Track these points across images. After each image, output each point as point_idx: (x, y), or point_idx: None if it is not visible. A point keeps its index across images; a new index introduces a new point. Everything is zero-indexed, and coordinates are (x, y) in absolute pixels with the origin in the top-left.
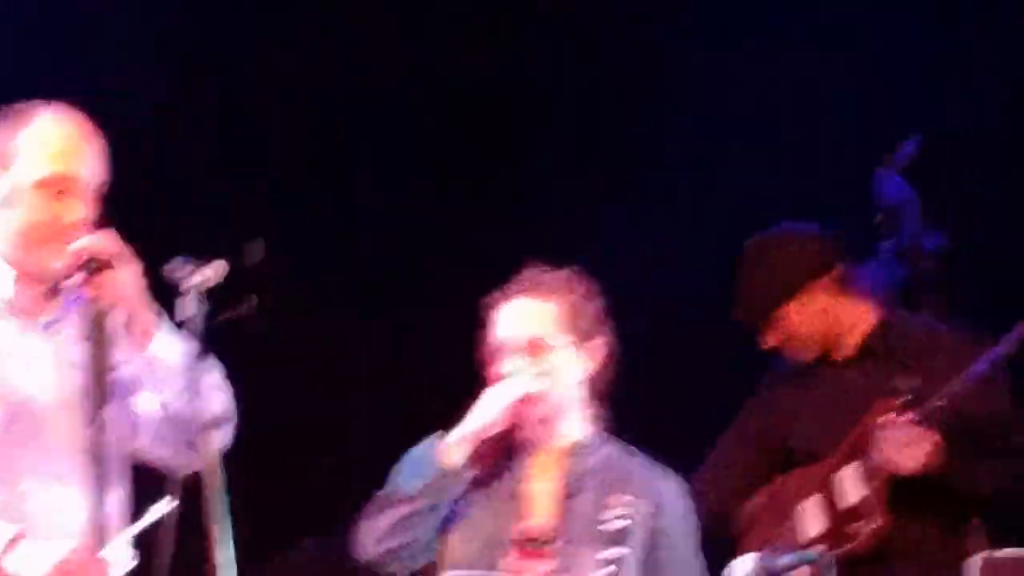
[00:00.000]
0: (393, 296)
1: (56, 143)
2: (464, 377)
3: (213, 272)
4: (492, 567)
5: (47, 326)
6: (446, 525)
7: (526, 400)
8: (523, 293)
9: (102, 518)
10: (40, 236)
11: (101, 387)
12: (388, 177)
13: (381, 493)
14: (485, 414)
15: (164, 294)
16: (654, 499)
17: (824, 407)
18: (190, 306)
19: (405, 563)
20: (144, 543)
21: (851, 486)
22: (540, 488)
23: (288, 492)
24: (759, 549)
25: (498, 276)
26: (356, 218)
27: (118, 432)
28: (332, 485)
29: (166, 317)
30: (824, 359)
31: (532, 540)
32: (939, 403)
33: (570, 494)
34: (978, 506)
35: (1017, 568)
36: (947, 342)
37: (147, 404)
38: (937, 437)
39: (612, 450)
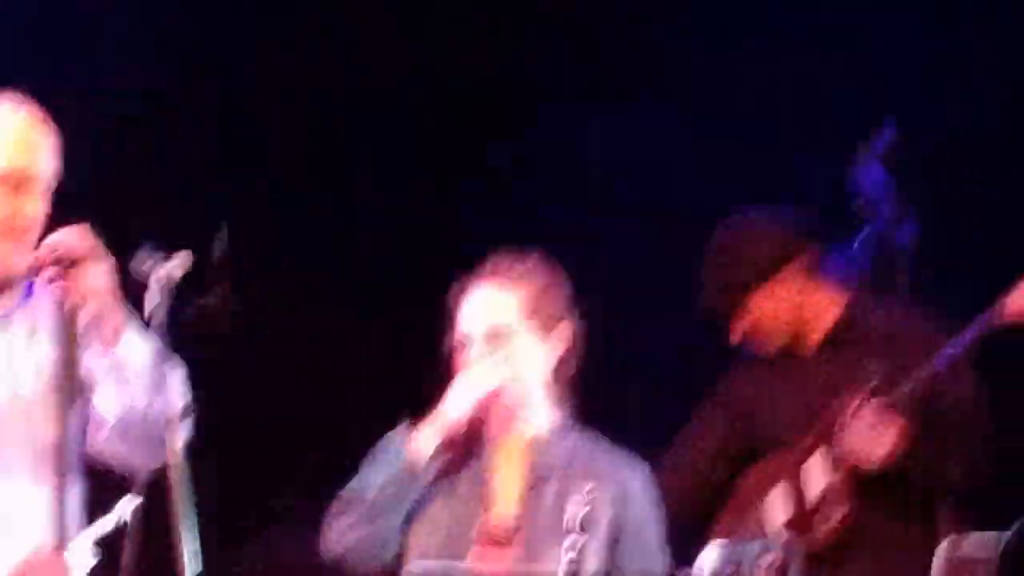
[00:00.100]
0: (390, 295)
1: (11, 136)
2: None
3: (179, 263)
4: (457, 558)
5: None
6: (411, 516)
7: (493, 391)
8: (486, 281)
9: (64, 517)
10: None
11: (70, 384)
12: (388, 176)
13: (348, 487)
14: (453, 406)
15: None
16: (619, 488)
17: (791, 395)
18: (156, 297)
19: (372, 556)
20: (108, 542)
21: (817, 475)
22: (505, 478)
23: (260, 485)
24: (726, 538)
25: None
26: (355, 217)
27: (75, 429)
28: (307, 479)
29: (135, 315)
30: (791, 347)
31: (496, 531)
32: (906, 390)
33: (534, 484)
34: (945, 494)
35: (981, 552)
36: (914, 328)
37: (106, 402)
38: (903, 425)
39: (577, 439)
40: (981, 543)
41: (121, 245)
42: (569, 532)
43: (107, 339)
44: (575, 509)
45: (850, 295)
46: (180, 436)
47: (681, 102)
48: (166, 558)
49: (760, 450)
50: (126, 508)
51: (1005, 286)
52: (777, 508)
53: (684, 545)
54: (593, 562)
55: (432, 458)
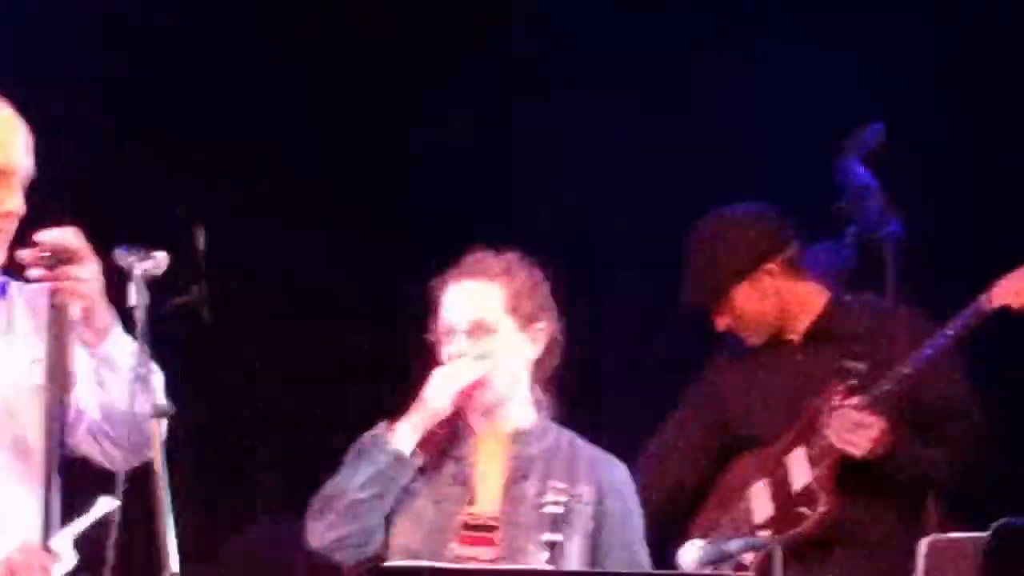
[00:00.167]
0: (369, 290)
1: None
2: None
3: (157, 261)
4: (438, 554)
5: None
6: (393, 512)
7: (473, 385)
8: (468, 276)
9: (50, 515)
10: None
11: (62, 381)
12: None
13: (330, 483)
14: (432, 401)
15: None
16: (598, 485)
17: (772, 390)
18: (135, 295)
19: (354, 552)
20: (87, 539)
21: (799, 470)
22: (486, 473)
23: (238, 481)
24: (707, 533)
25: None
26: (332, 216)
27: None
28: (287, 474)
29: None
30: (773, 342)
31: (477, 526)
32: (887, 387)
33: (515, 480)
34: (931, 491)
35: (963, 549)
36: (896, 325)
37: (89, 400)
38: (883, 422)
39: (557, 436)
40: (963, 541)
41: (98, 244)
42: (548, 528)
43: (94, 337)
44: (552, 507)
45: (833, 291)
46: (160, 434)
47: (666, 98)
48: (147, 555)
49: (742, 443)
50: (106, 506)
51: (990, 283)
52: (760, 502)
53: (666, 540)
54: (574, 558)
55: (412, 454)
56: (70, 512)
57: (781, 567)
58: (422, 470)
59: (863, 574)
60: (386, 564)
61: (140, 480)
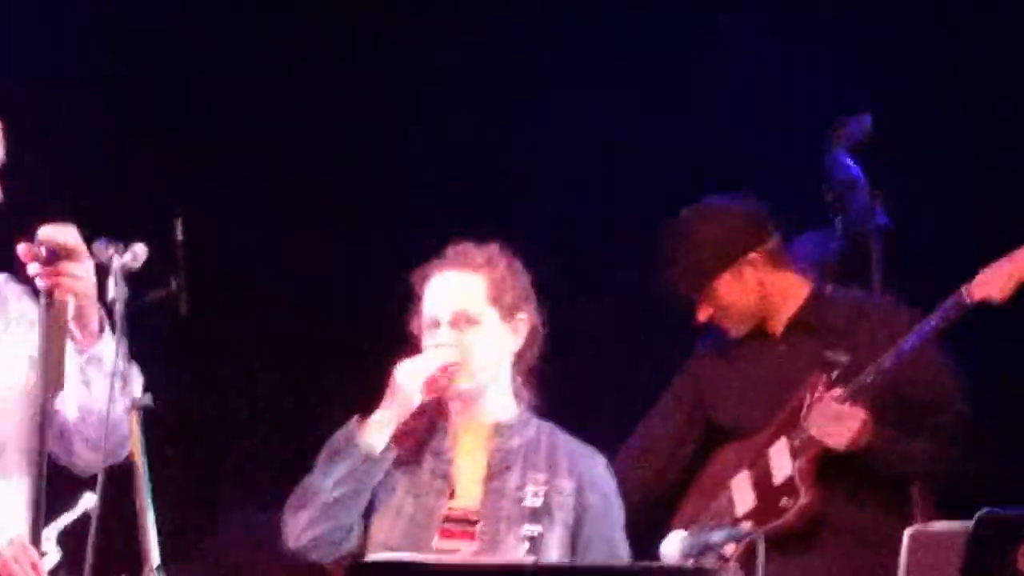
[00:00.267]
0: (347, 283)
1: None
2: None
3: (136, 254)
4: (418, 548)
5: None
6: (372, 506)
7: (441, 373)
8: (450, 267)
9: (39, 511)
10: None
11: (55, 377)
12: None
13: (304, 482)
14: (399, 395)
15: None
16: (578, 477)
17: (754, 382)
18: (113, 288)
19: (331, 550)
20: (69, 534)
21: (780, 462)
22: (466, 466)
23: (216, 476)
24: (689, 525)
25: None
26: (309, 210)
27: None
28: (264, 470)
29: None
30: (755, 333)
31: (458, 520)
32: (868, 378)
33: (496, 473)
34: (910, 483)
35: (946, 540)
36: (877, 317)
37: (62, 400)
38: (865, 414)
39: (537, 428)
40: (947, 532)
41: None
42: (528, 522)
43: (87, 337)
44: (532, 500)
45: (816, 282)
46: (139, 430)
47: (663, 96)
48: (129, 550)
49: (725, 434)
50: (88, 502)
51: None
52: (740, 495)
53: (648, 531)
54: (554, 550)
55: (385, 450)
56: (51, 509)
57: (764, 558)
58: (401, 464)
59: (846, 565)
60: (366, 559)
61: (121, 475)
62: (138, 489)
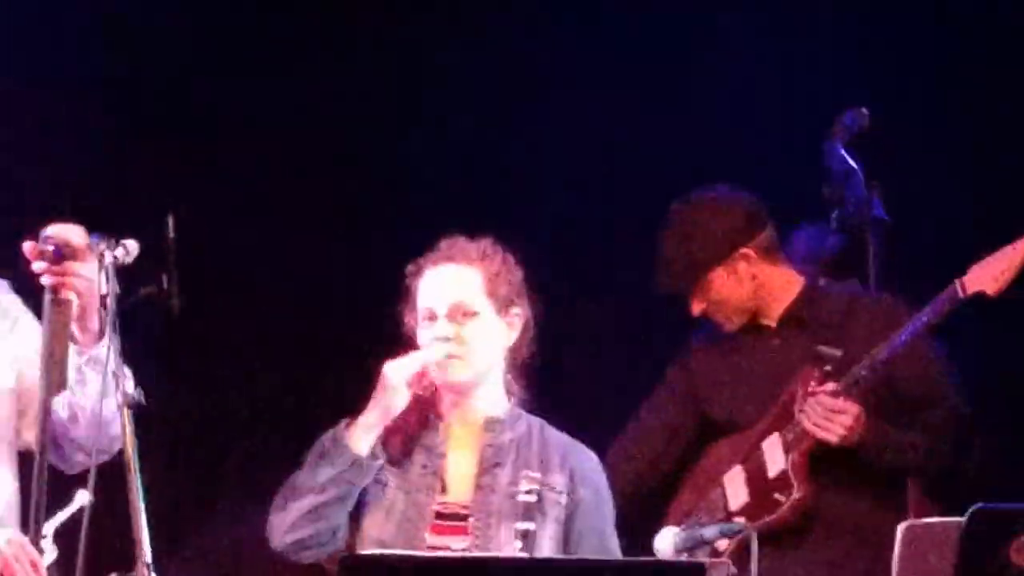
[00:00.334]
0: (338, 282)
1: None
2: None
3: (128, 249)
4: (410, 544)
5: None
6: (363, 503)
7: (424, 372)
8: (445, 260)
9: (40, 510)
10: None
11: (58, 376)
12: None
13: (290, 483)
14: (385, 398)
15: None
16: (570, 473)
17: (748, 376)
18: (105, 284)
19: (315, 552)
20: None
21: (773, 456)
22: (456, 462)
23: (206, 473)
24: (682, 519)
25: None
26: (303, 208)
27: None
28: (253, 467)
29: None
30: (749, 327)
31: (449, 515)
32: (862, 373)
33: (488, 468)
34: (904, 477)
35: (939, 535)
36: (871, 311)
37: (60, 399)
38: (858, 408)
39: (528, 423)
40: (940, 526)
41: None
42: (521, 518)
43: (88, 338)
44: (525, 496)
45: (809, 275)
46: (131, 427)
47: (651, 84)
48: (121, 547)
49: (718, 428)
50: (83, 499)
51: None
52: (735, 488)
53: (641, 526)
54: (546, 546)
55: (372, 456)
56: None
57: (757, 553)
58: (392, 460)
59: (840, 560)
60: (357, 554)
61: (113, 472)
62: (130, 485)
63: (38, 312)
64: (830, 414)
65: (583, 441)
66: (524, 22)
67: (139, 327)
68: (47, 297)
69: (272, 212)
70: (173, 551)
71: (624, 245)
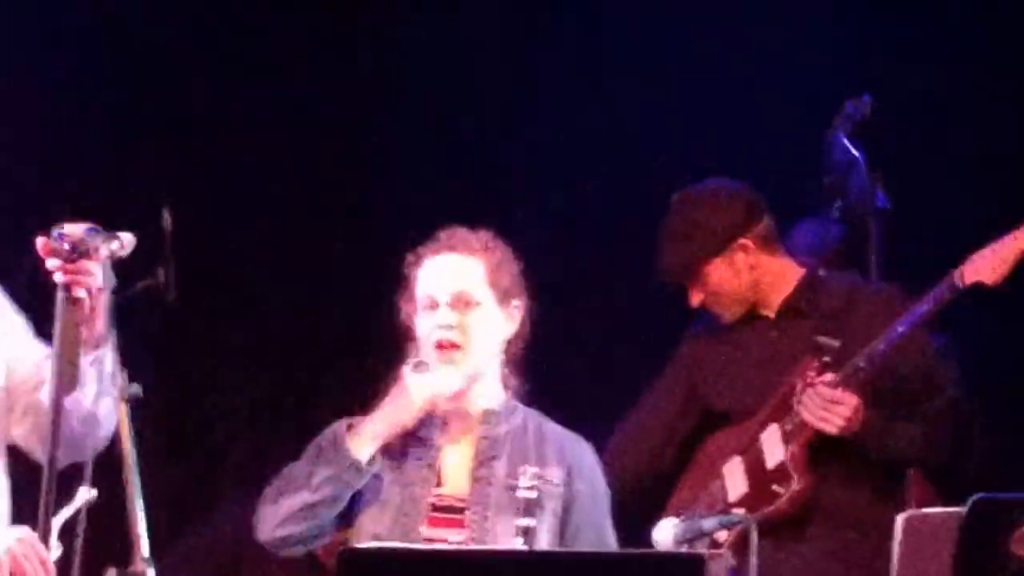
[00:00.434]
0: (336, 273)
1: None
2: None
3: (123, 243)
4: (407, 537)
5: None
6: (359, 497)
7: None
8: (447, 250)
9: (48, 509)
10: None
11: (70, 376)
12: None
13: (284, 473)
14: (400, 412)
15: None
16: (567, 466)
17: (747, 366)
18: (101, 278)
19: (302, 547)
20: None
21: (772, 447)
22: (452, 455)
23: (203, 466)
24: (682, 511)
25: None
26: (299, 200)
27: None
28: (249, 460)
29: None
30: (748, 317)
31: (445, 508)
32: (860, 363)
33: (484, 461)
34: (904, 468)
35: (939, 525)
36: (870, 302)
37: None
38: (857, 399)
39: (524, 416)
40: (940, 517)
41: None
42: (518, 511)
43: (95, 339)
44: (523, 489)
45: (808, 266)
46: (128, 422)
47: (653, 74)
48: (119, 541)
49: (717, 419)
50: (85, 495)
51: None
52: (734, 479)
53: (640, 518)
54: (544, 540)
55: (372, 463)
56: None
57: (756, 545)
58: (387, 454)
59: (839, 551)
60: (355, 548)
61: (109, 467)
62: (127, 480)
63: (35, 311)
64: (829, 405)
65: (582, 436)
66: (524, 22)
67: (136, 322)
68: (60, 295)
69: (272, 211)
70: (172, 547)
71: (624, 245)
